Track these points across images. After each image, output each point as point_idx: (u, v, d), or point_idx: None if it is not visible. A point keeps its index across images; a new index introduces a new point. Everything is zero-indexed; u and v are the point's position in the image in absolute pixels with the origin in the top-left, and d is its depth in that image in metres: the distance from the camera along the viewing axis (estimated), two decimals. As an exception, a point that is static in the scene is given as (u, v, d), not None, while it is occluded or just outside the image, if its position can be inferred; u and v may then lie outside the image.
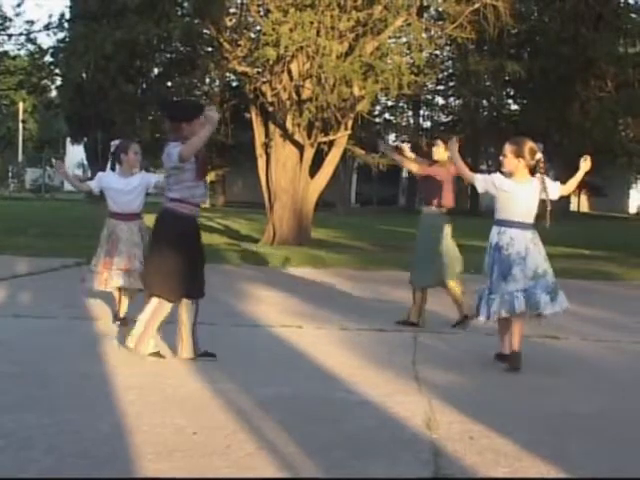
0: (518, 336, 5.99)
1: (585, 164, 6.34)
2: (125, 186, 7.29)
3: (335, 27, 15.90)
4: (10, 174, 54.18)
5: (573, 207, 42.13)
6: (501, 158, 6.23)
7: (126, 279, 7.20)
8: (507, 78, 31.38)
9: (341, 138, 17.49)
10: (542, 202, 6.18)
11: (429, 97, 41.45)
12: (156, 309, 5.93)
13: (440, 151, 7.82)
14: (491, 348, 6.75)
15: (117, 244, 7.23)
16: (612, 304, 9.73)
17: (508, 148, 6.13)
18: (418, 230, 7.97)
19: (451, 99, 42.75)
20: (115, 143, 7.47)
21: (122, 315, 7.33)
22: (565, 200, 34.79)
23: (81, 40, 21.43)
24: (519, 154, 6.08)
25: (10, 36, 32.80)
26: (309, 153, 17.26)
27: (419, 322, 7.78)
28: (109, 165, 7.63)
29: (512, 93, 39.48)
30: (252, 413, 4.68)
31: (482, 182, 6.31)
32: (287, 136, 16.90)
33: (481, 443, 4.25)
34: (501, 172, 6.28)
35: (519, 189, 6.11)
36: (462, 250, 7.94)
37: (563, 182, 6.54)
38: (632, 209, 48.45)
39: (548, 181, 6.23)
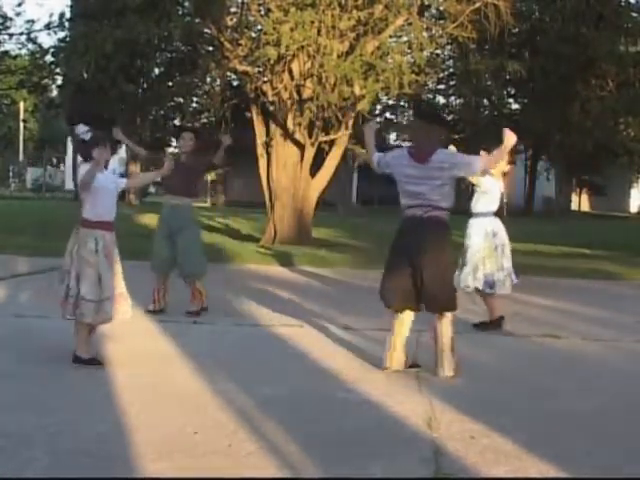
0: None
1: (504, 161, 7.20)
2: (114, 185, 5.85)
3: (336, 26, 15.87)
4: (11, 173, 54.25)
5: (574, 206, 42.07)
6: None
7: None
8: (508, 77, 31.34)
9: (342, 137, 17.47)
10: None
11: (430, 96, 41.36)
12: (451, 325, 5.79)
13: (189, 144, 7.92)
14: (491, 348, 6.76)
15: (114, 263, 5.75)
16: (612, 303, 9.72)
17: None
18: (158, 220, 8.05)
19: (452, 98, 42.71)
20: (85, 130, 5.82)
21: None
22: (566, 199, 34.75)
23: (82, 39, 21.39)
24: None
25: (11, 35, 32.84)
26: (310, 152, 17.25)
27: (164, 308, 7.85)
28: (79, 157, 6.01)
29: (513, 92, 39.44)
30: (253, 412, 4.68)
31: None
32: (288, 135, 16.88)
33: (482, 442, 4.25)
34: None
35: (498, 187, 7.47)
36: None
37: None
38: (633, 208, 48.38)
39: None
